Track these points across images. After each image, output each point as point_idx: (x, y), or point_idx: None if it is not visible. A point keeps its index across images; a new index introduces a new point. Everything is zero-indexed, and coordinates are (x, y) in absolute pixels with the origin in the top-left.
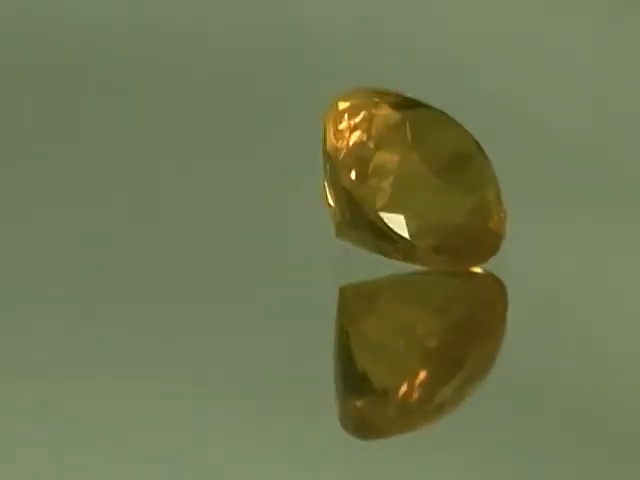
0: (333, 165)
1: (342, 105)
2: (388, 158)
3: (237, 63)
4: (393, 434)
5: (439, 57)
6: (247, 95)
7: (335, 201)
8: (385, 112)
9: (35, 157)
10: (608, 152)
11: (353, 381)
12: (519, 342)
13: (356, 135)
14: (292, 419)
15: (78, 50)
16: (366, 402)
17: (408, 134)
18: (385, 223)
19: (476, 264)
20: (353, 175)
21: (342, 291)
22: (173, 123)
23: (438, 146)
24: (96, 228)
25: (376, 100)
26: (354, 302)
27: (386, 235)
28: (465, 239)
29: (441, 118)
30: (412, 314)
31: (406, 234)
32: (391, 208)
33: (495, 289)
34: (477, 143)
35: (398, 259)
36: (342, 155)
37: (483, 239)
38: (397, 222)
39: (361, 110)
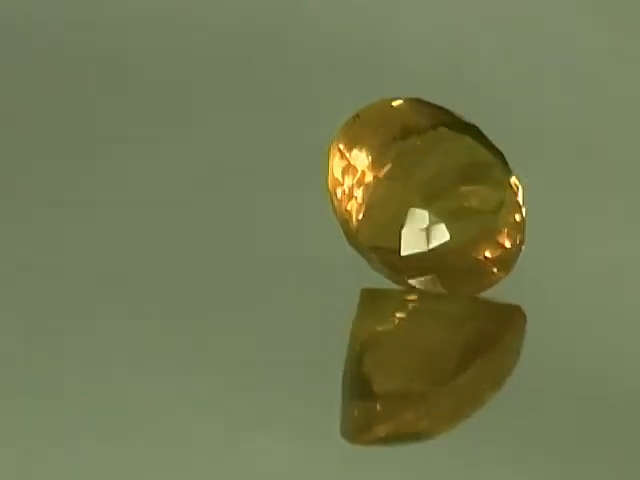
0: (329, 175)
1: (348, 127)
2: (381, 181)
3: (244, 66)
4: (386, 444)
5: (446, 58)
6: (259, 97)
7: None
8: (391, 134)
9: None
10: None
11: (357, 387)
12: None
13: (355, 154)
14: (295, 421)
15: (78, 51)
16: (364, 409)
17: (407, 160)
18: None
19: (471, 293)
20: (339, 190)
21: (363, 293)
22: (178, 129)
23: (437, 174)
24: (103, 229)
25: (389, 117)
26: (372, 306)
27: (364, 252)
28: (448, 267)
29: (458, 139)
30: (427, 329)
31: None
32: (366, 228)
33: (515, 319)
34: (500, 165)
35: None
36: (337, 166)
37: (474, 270)
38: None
39: (370, 129)
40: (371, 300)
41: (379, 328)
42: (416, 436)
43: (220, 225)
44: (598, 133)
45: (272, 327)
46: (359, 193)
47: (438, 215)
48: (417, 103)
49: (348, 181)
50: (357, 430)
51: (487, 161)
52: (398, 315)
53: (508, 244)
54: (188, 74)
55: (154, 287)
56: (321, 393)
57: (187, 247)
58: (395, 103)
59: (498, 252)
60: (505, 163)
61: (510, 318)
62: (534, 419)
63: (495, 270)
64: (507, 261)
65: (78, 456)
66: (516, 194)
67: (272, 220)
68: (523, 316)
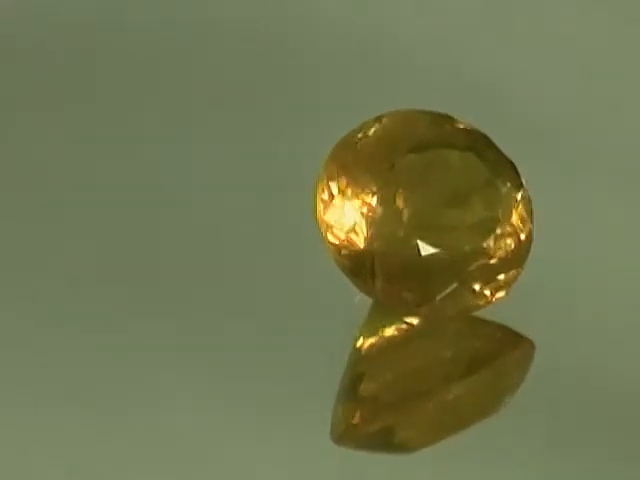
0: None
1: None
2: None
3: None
4: (368, 449)
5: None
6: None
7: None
8: (401, 147)
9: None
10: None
11: (348, 388)
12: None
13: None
14: (296, 421)
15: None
16: (349, 410)
17: (408, 177)
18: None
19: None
20: (322, 208)
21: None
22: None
23: (425, 200)
24: (96, 230)
25: (405, 128)
26: (381, 312)
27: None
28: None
29: (467, 161)
30: (429, 340)
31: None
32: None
33: (522, 349)
34: (508, 194)
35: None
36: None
37: (458, 293)
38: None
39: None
40: (382, 305)
41: (384, 334)
42: (398, 446)
43: (220, 225)
44: (600, 133)
45: (277, 328)
46: (356, 210)
47: (430, 234)
48: (440, 118)
49: (338, 192)
50: (340, 430)
51: (494, 189)
52: (404, 324)
53: (500, 278)
54: (188, 73)
55: (153, 286)
56: (323, 394)
57: (186, 248)
58: (416, 115)
59: (487, 284)
60: (516, 192)
61: (515, 346)
62: (523, 437)
63: (480, 300)
64: (495, 295)
65: (75, 454)
66: (516, 225)
67: (278, 220)
68: (531, 348)
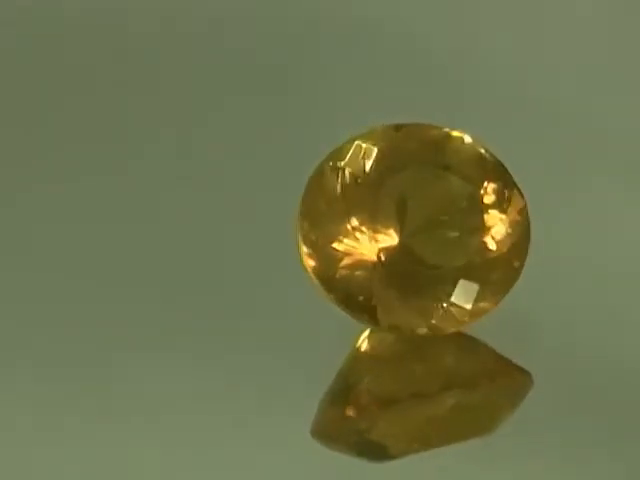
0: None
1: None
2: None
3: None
4: (349, 447)
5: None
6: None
7: None
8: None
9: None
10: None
11: (337, 386)
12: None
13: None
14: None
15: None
16: (334, 408)
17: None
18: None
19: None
20: (306, 226)
21: None
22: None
23: (415, 216)
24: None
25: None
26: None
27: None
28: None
29: (452, 182)
30: (427, 351)
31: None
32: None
33: (517, 382)
34: (476, 202)
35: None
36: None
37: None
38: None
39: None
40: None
41: (383, 341)
42: (380, 450)
43: (221, 224)
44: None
45: (276, 328)
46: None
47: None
48: (455, 139)
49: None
50: (320, 426)
51: (481, 222)
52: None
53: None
54: (188, 73)
55: (151, 286)
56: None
57: (186, 248)
58: (434, 132)
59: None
60: (515, 228)
61: (508, 377)
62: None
63: (451, 322)
64: (469, 321)
65: (74, 453)
66: (505, 256)
67: (279, 219)
68: (528, 381)
